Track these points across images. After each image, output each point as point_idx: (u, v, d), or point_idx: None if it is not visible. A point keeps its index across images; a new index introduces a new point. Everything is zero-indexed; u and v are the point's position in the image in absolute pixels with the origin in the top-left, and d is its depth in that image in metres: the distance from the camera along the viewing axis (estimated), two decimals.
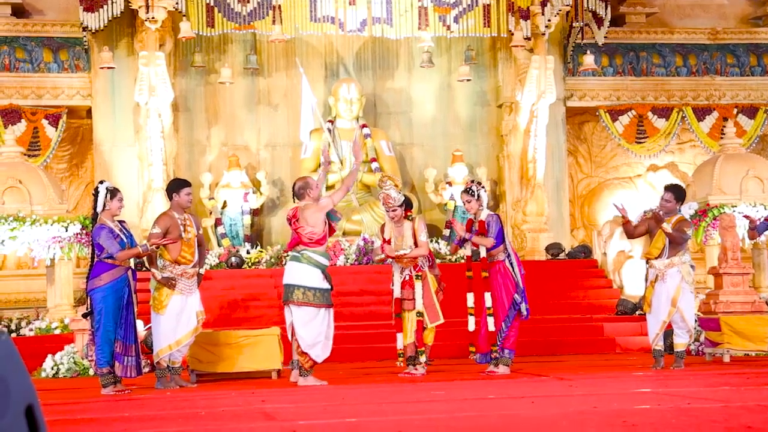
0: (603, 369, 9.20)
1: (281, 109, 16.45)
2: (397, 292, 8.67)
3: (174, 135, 15.25)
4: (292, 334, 8.17)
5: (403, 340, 8.72)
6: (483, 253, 8.58)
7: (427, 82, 16.66)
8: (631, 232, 9.26)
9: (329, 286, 8.17)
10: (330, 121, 15.93)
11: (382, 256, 8.74)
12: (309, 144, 15.79)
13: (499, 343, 8.55)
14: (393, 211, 8.68)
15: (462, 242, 8.73)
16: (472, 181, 8.87)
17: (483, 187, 8.75)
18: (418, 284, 8.61)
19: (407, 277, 8.64)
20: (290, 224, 8.27)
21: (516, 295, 8.53)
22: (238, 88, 16.23)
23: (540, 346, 11.73)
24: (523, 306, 8.55)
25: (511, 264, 8.61)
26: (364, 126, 15.98)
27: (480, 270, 8.66)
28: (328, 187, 15.37)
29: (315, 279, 8.09)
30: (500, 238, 8.61)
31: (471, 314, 8.68)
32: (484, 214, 8.64)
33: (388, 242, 8.70)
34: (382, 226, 8.92)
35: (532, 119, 15.55)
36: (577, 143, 17.25)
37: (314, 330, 8.09)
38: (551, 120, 15.69)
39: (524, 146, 15.75)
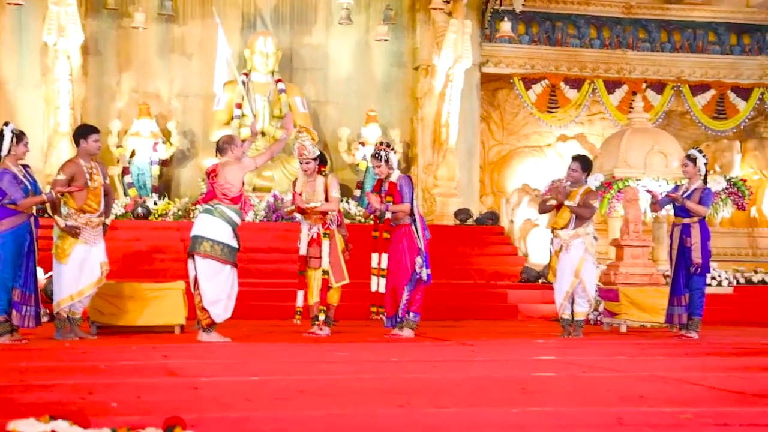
0: (505, 335, 9.33)
1: (195, 59, 16.21)
2: (303, 250, 8.62)
3: (83, 78, 14.91)
4: (195, 288, 8.07)
5: (309, 299, 8.70)
6: (388, 215, 8.59)
7: (345, 39, 16.58)
8: (548, 209, 9.36)
9: (237, 246, 8.10)
10: (245, 74, 15.75)
11: (293, 207, 8.66)
12: (222, 96, 15.59)
13: (402, 305, 8.58)
14: (307, 163, 8.62)
15: (373, 211, 8.72)
16: (381, 143, 8.84)
17: (393, 149, 8.73)
18: (325, 242, 8.57)
19: (315, 235, 8.59)
20: (208, 177, 8.17)
21: (418, 258, 8.55)
22: (152, 34, 15.93)
23: (444, 310, 11.84)
24: (424, 271, 8.55)
25: (416, 228, 8.63)
26: (279, 81, 15.85)
27: (383, 231, 8.67)
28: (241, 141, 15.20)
29: (225, 234, 8.01)
30: (410, 201, 8.64)
31: (374, 275, 8.70)
32: (395, 175, 8.63)
33: (300, 195, 8.65)
34: (294, 180, 8.86)
35: (447, 83, 15.61)
36: (490, 109, 17.38)
37: (217, 286, 8.02)
38: (466, 85, 15.77)
39: (438, 110, 15.82)
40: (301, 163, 8.68)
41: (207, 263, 7.97)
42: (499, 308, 12.25)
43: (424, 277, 8.59)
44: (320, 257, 8.56)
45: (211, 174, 8.13)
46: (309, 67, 16.63)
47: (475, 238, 14.42)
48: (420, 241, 8.59)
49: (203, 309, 8.00)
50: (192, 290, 8.17)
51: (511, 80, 16.79)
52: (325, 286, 8.62)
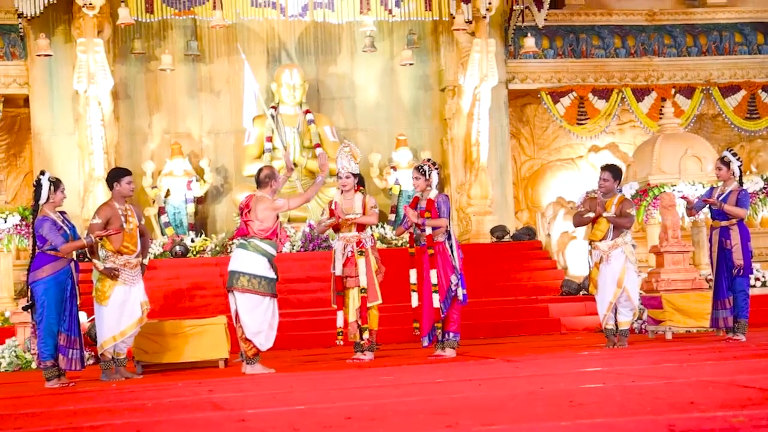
0: (549, 349, 9.26)
1: (223, 96, 16.32)
2: (338, 270, 8.61)
3: (114, 123, 15.05)
4: (237, 321, 8.10)
5: (345, 317, 8.68)
6: (429, 231, 8.58)
7: (370, 66, 16.63)
8: (584, 222, 9.30)
9: (275, 276, 8.12)
10: (273, 107, 15.84)
11: (332, 220, 8.61)
12: (252, 130, 15.70)
13: (441, 323, 8.55)
14: (347, 178, 8.67)
15: (410, 227, 8.72)
16: (428, 160, 8.89)
17: (437, 168, 8.76)
18: (361, 261, 8.58)
19: (349, 254, 8.60)
20: (241, 214, 8.20)
21: (453, 277, 8.53)
22: (180, 75, 16.06)
23: (486, 328, 11.79)
24: (459, 290, 8.54)
25: (451, 246, 8.62)
26: (307, 112, 15.92)
27: (422, 250, 8.65)
28: None
29: (261, 267, 8.03)
30: (447, 218, 8.64)
31: (414, 290, 8.68)
32: (433, 194, 8.64)
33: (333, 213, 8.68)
34: (330, 201, 8.88)
35: (475, 102, 15.60)
36: (519, 126, 17.35)
37: (258, 318, 8.04)
38: (494, 103, 15.75)
39: (467, 130, 15.80)
40: (339, 178, 8.70)
41: (246, 297, 8.01)
42: (541, 323, 12.17)
43: (460, 297, 8.56)
44: (357, 276, 8.57)
45: (245, 209, 8.17)
46: (336, 96, 16.70)
47: (513, 255, 14.37)
48: (455, 259, 8.57)
49: (246, 340, 8.03)
50: (234, 324, 8.19)
51: (539, 95, 16.75)
52: (365, 305, 8.62)
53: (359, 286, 8.60)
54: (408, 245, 8.89)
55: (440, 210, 8.56)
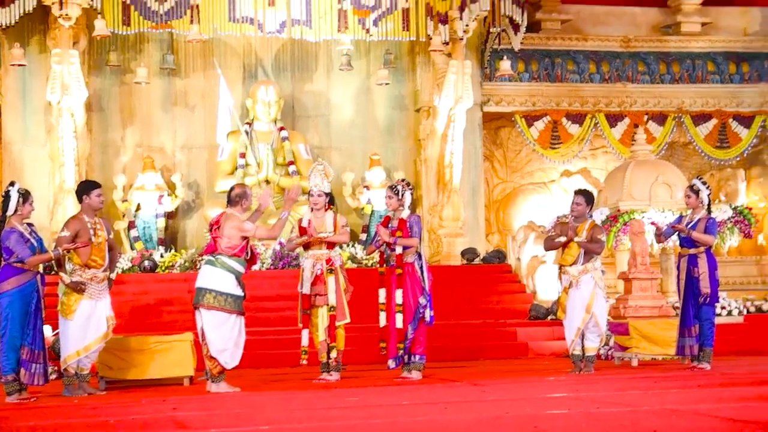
0: (516, 374, 9.28)
1: (198, 111, 16.26)
2: (306, 288, 8.59)
3: (87, 135, 14.96)
4: (203, 339, 8.07)
5: (315, 338, 8.65)
6: (399, 250, 8.58)
7: (346, 85, 16.62)
8: (555, 246, 9.33)
9: (242, 294, 8.09)
10: (248, 123, 15.79)
11: (304, 238, 8.60)
12: (226, 146, 15.65)
13: (406, 344, 8.54)
14: (319, 196, 8.69)
15: (380, 245, 8.74)
16: (402, 180, 8.95)
17: (411, 188, 8.80)
18: (330, 279, 8.57)
19: (319, 272, 8.59)
20: (211, 230, 8.20)
21: (421, 299, 8.54)
22: (155, 89, 15.99)
23: (454, 351, 11.78)
24: (427, 312, 8.56)
25: (421, 267, 8.62)
26: (282, 129, 15.89)
27: (392, 270, 8.66)
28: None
29: (228, 284, 8.02)
30: (419, 238, 8.65)
31: (382, 310, 8.69)
32: (405, 213, 8.68)
33: (305, 230, 8.67)
34: (300, 219, 8.89)
35: (450, 124, 15.60)
36: (493, 148, 17.38)
37: (224, 335, 8.01)
38: (468, 125, 15.75)
39: (441, 151, 15.80)
40: (311, 196, 8.70)
41: (212, 314, 7.99)
42: (508, 347, 12.19)
43: (427, 318, 8.57)
44: (326, 294, 8.56)
45: (214, 226, 8.18)
46: (311, 113, 16.66)
47: (482, 277, 14.36)
48: (424, 281, 8.58)
49: (211, 358, 8.01)
50: (200, 341, 8.15)
51: (513, 118, 16.80)
52: (333, 323, 8.60)
53: (328, 305, 8.57)
54: (378, 265, 8.89)
55: (412, 230, 8.59)
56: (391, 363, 8.66)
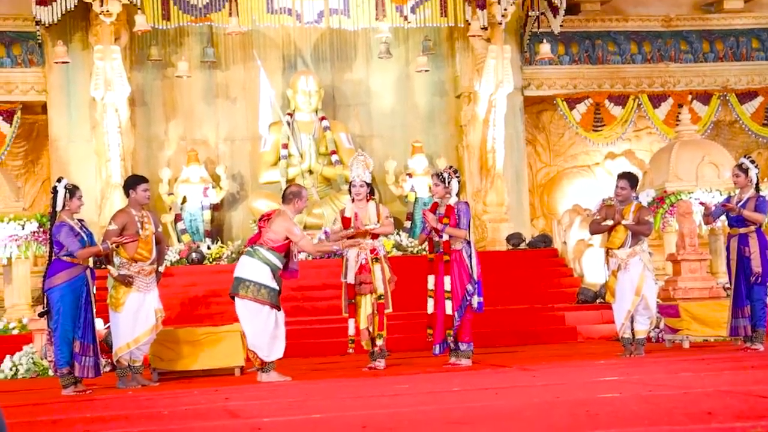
0: (565, 358, 9.25)
1: (239, 103, 16.32)
2: (351, 278, 8.63)
3: (131, 130, 15.08)
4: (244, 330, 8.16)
5: (356, 325, 8.70)
6: (446, 237, 8.59)
7: (386, 73, 16.61)
8: (601, 230, 9.28)
9: (277, 287, 8.13)
10: (289, 114, 15.84)
11: (349, 231, 8.62)
12: (268, 137, 15.71)
13: (453, 331, 8.54)
14: (361, 186, 8.73)
15: (429, 232, 8.75)
16: (449, 167, 8.94)
17: (457, 176, 8.79)
18: (377, 267, 8.61)
19: (363, 261, 8.62)
20: (260, 220, 8.31)
21: (468, 286, 8.54)
22: (196, 82, 16.07)
23: (502, 336, 11.77)
24: (475, 298, 8.56)
25: (469, 255, 8.62)
26: (323, 118, 15.92)
27: (440, 257, 8.66)
28: (288, 180, 15.31)
29: (264, 276, 8.08)
30: (467, 228, 8.65)
31: (430, 297, 8.70)
32: (452, 200, 8.67)
33: (348, 221, 8.70)
34: (342, 210, 8.93)
35: (491, 109, 15.55)
36: (535, 132, 17.30)
37: (257, 327, 8.07)
38: (509, 109, 15.69)
39: (483, 136, 15.76)
40: (353, 186, 8.73)
41: (244, 304, 8.07)
42: (557, 331, 12.14)
43: (474, 305, 8.56)
44: (371, 282, 8.60)
45: (264, 218, 8.25)
46: (352, 102, 16.68)
47: (528, 262, 14.34)
48: (472, 268, 8.55)
49: (250, 350, 8.09)
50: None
51: (555, 101, 16.70)
52: (382, 311, 8.63)
53: (375, 293, 8.61)
54: (427, 252, 8.90)
55: (459, 218, 8.58)
56: (436, 349, 8.68)
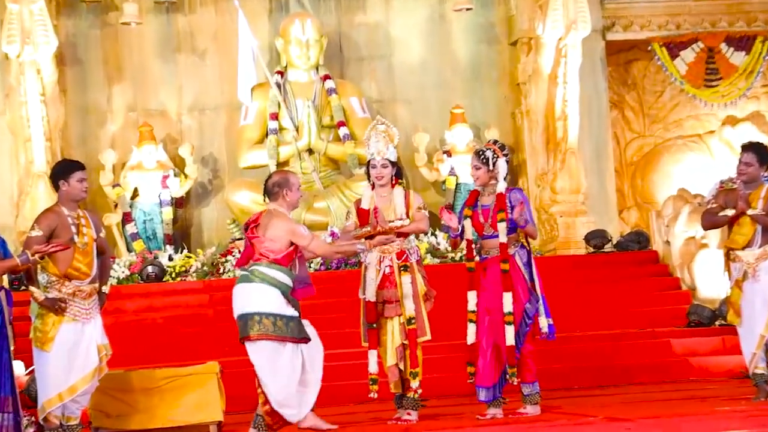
0: (673, 404, 9.23)
1: (210, 58, 16.37)
2: (371, 294, 8.57)
3: (60, 98, 15.13)
4: (258, 385, 8.11)
5: (384, 361, 8.64)
6: (502, 237, 8.52)
7: (412, 13, 16.67)
8: (719, 222, 9.19)
9: (295, 313, 8.05)
10: (279, 72, 15.82)
11: (367, 229, 8.57)
12: (251, 105, 15.71)
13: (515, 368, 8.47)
14: (383, 167, 8.74)
15: (460, 235, 8.71)
16: (494, 142, 8.91)
17: (506, 154, 8.75)
18: (405, 279, 8.59)
19: (388, 270, 8.57)
20: (246, 230, 8.24)
21: (528, 306, 8.53)
22: (149, 31, 16.16)
23: (583, 374, 11.75)
24: (543, 320, 8.56)
25: (526, 263, 8.62)
26: (326, 78, 15.90)
27: (482, 264, 8.64)
28: (280, 164, 15.25)
29: (273, 302, 8.00)
30: (514, 223, 8.58)
31: (471, 321, 8.66)
32: (500, 186, 8.64)
33: (367, 215, 8.64)
34: (357, 201, 8.88)
35: (560, 60, 15.60)
36: (623, 91, 17.28)
37: (281, 377, 8.00)
38: (586, 60, 15.68)
39: (550, 98, 15.78)
40: (373, 167, 8.71)
41: (259, 347, 7.99)
42: (661, 365, 12.08)
43: (544, 329, 8.52)
44: (398, 300, 8.56)
45: (251, 225, 8.19)
46: (366, 55, 16.69)
47: (617, 271, 14.29)
48: (533, 279, 8.57)
49: (272, 412, 8.00)
50: (257, 388, 8.14)
51: (650, 47, 16.64)
52: (414, 340, 8.59)
53: (404, 315, 8.56)
54: (465, 259, 8.84)
55: (516, 208, 8.49)
56: (481, 394, 8.60)
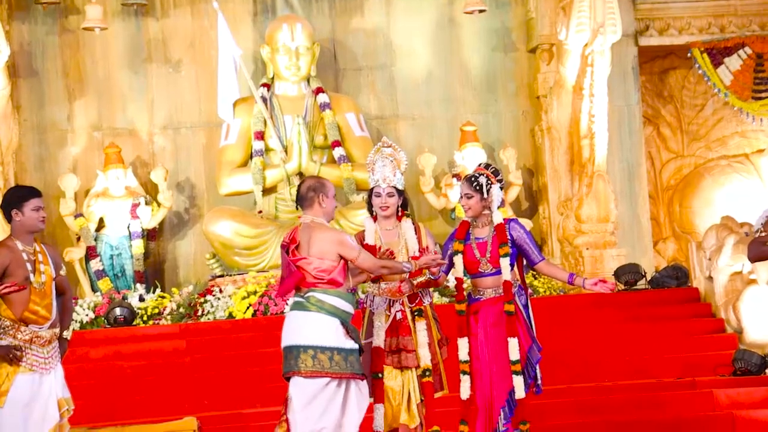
0: None
1: (186, 69, 16.44)
2: (379, 339, 8.54)
3: (13, 115, 15.20)
4: (282, 418, 8.08)
5: (394, 418, 8.57)
6: (506, 275, 8.54)
7: (416, 16, 16.73)
8: (767, 253, 9.20)
9: (355, 346, 8.03)
10: (265, 85, 15.85)
11: (410, 265, 8.44)
12: (232, 123, 15.73)
13: (503, 425, 8.50)
14: (390, 196, 8.70)
15: (446, 271, 8.76)
16: (487, 165, 8.87)
17: (500, 179, 8.74)
18: (420, 325, 8.58)
19: (399, 315, 8.55)
20: (287, 252, 8.15)
21: (530, 353, 8.58)
22: (116, 37, 16.20)
23: (615, 429, 11.69)
24: (538, 372, 8.63)
25: (526, 306, 8.67)
26: (319, 91, 15.91)
27: (478, 306, 8.64)
28: (266, 189, 15.28)
29: (333, 333, 7.98)
30: (514, 260, 8.65)
31: (464, 372, 8.64)
32: (497, 217, 8.67)
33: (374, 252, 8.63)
34: (359, 234, 8.82)
35: (585, 69, 15.58)
36: (658, 104, 17.32)
37: (316, 410, 7.96)
38: (616, 69, 15.73)
39: (574, 113, 15.80)
40: (377, 196, 8.70)
41: (307, 384, 7.95)
42: (702, 419, 12.02)
43: (539, 381, 8.63)
44: (413, 350, 8.54)
45: (291, 246, 8.11)
46: (364, 65, 16.76)
47: (652, 310, 14.26)
48: (531, 322, 8.63)
49: None
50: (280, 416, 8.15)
51: (689, 54, 16.66)
52: (430, 395, 8.58)
53: (420, 366, 8.56)
54: (455, 300, 8.86)
55: (519, 240, 8.62)
56: None
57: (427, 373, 8.54)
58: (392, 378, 8.61)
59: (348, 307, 8.08)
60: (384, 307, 8.61)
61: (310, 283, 8.06)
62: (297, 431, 7.97)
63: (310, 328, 8.00)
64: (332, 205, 8.26)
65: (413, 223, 8.82)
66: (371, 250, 8.60)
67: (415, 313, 8.59)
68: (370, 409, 8.47)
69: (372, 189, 8.83)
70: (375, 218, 8.82)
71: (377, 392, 8.59)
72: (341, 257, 8.05)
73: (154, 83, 16.35)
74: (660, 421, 11.97)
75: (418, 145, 16.29)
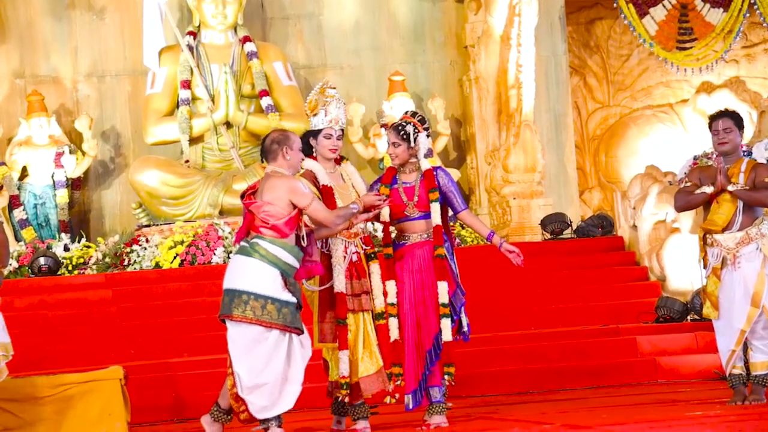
0: (640, 409, 9.27)
1: (110, 16, 16.35)
2: (340, 284, 8.53)
3: None
4: (229, 366, 8.06)
5: (355, 363, 8.53)
6: (436, 219, 8.61)
7: None
8: (694, 202, 9.22)
9: (293, 299, 8.04)
10: (191, 33, 15.78)
11: (384, 198, 8.52)
12: (158, 71, 15.68)
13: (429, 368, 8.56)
14: (338, 138, 8.65)
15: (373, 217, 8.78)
16: (414, 113, 8.88)
17: (426, 128, 8.75)
18: (374, 268, 8.62)
19: (355, 257, 8.57)
20: (243, 198, 8.15)
21: (454, 298, 8.62)
22: None
23: (541, 375, 11.83)
24: (464, 318, 8.67)
25: (451, 252, 8.72)
26: (246, 40, 15.87)
27: (405, 250, 8.67)
28: (193, 138, 15.26)
29: (269, 283, 7.98)
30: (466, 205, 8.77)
31: (393, 315, 8.65)
32: (424, 164, 8.72)
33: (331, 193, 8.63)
34: (308, 173, 8.71)
35: (513, 19, 15.60)
36: (585, 54, 17.39)
37: (258, 360, 7.98)
38: (543, 19, 15.78)
39: (502, 63, 15.84)
40: (328, 138, 8.61)
41: (240, 330, 7.97)
42: (626, 365, 12.18)
43: (465, 328, 8.70)
44: (371, 291, 8.57)
45: (248, 192, 8.12)
46: (291, 13, 16.74)
47: (578, 259, 14.43)
48: (455, 268, 8.68)
49: (237, 398, 8.00)
50: (227, 369, 8.13)
51: (615, 4, 16.68)
52: (385, 337, 8.61)
53: (375, 310, 8.62)
54: (381, 245, 8.85)
55: (446, 187, 8.66)
56: (410, 401, 8.64)
57: (381, 316, 8.59)
58: (354, 324, 8.57)
59: (291, 260, 8.06)
60: (342, 249, 8.60)
61: (257, 229, 8.07)
62: (241, 384, 7.98)
63: (248, 274, 7.99)
64: (298, 158, 8.21)
65: (351, 166, 8.83)
66: (329, 191, 8.58)
67: (370, 256, 8.63)
68: (313, 358, 8.51)
69: (321, 130, 8.66)
70: (316, 159, 8.67)
71: (341, 338, 8.57)
72: (294, 206, 8.09)
73: (78, 30, 16.25)
74: (585, 368, 12.10)
75: (346, 94, 16.21)
